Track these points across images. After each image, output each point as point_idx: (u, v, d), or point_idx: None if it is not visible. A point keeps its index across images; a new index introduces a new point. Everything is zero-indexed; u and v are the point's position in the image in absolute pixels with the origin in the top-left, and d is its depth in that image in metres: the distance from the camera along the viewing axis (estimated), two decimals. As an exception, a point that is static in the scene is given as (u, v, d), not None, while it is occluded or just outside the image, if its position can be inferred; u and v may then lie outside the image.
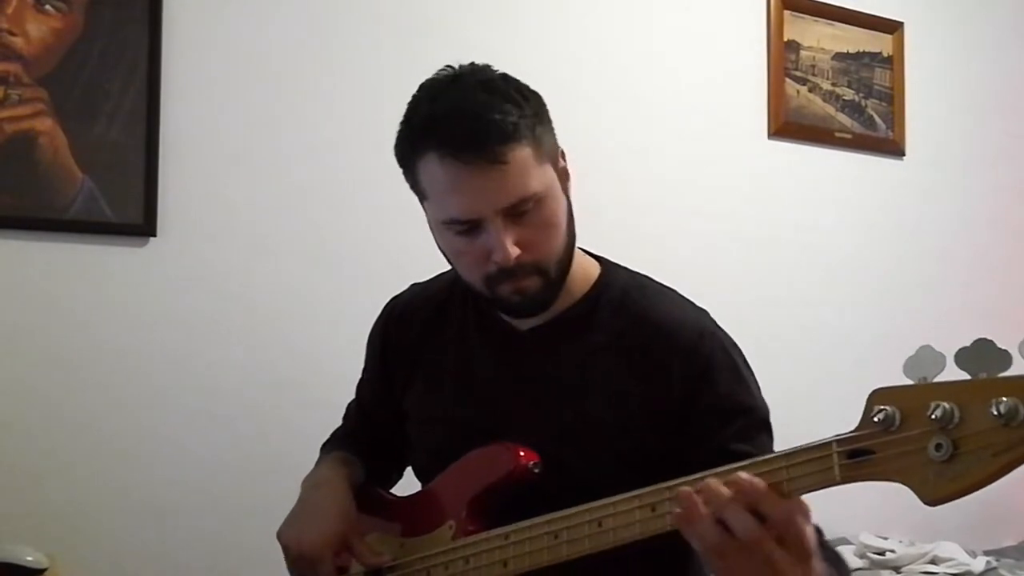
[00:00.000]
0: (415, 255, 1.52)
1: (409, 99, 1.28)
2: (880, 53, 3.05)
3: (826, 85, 2.95)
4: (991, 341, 0.85)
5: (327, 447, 1.61)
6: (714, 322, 1.35)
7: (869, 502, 2.04)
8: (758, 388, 1.32)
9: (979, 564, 2.65)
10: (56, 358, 1.97)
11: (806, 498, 0.98)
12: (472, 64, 1.27)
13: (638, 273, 1.41)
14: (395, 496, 1.51)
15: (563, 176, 1.31)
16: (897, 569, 2.61)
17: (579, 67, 2.54)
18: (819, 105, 2.94)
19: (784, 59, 2.87)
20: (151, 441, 2.03)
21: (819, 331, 2.87)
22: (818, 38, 2.94)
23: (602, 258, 1.42)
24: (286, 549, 1.38)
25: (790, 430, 1.26)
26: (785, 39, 2.87)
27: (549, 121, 1.29)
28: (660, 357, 1.29)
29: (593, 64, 2.58)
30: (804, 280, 2.88)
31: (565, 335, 1.34)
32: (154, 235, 2.05)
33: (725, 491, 0.97)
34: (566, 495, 1.16)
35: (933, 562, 2.63)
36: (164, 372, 2.05)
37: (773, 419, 1.30)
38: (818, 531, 1.16)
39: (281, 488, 1.49)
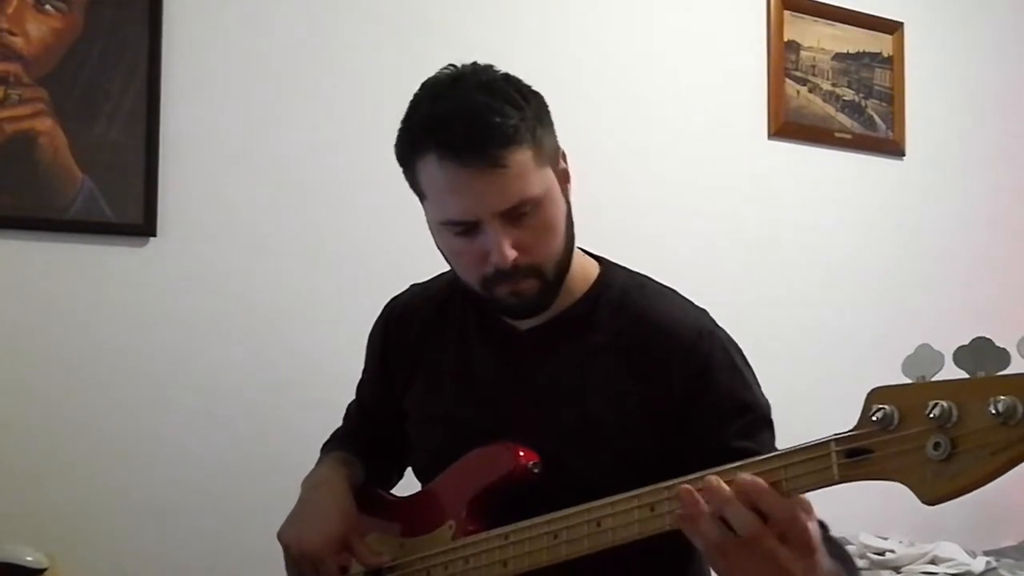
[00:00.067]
0: (415, 255, 1.52)
1: (409, 99, 1.28)
2: (880, 53, 3.05)
3: (826, 85, 2.95)
4: (989, 340, 0.85)
5: (327, 447, 1.62)
6: (713, 321, 1.35)
7: (869, 502, 2.04)
8: (758, 385, 1.32)
9: (979, 564, 2.64)
10: (56, 358, 1.97)
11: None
12: (474, 64, 1.27)
13: (637, 273, 1.41)
14: (395, 496, 1.51)
15: (563, 178, 1.30)
16: (897, 569, 2.61)
17: (579, 67, 2.54)
18: (819, 105, 2.94)
19: (784, 59, 2.87)
20: (151, 441, 2.03)
21: (819, 331, 2.87)
22: (818, 38, 2.94)
23: (601, 258, 1.42)
24: (287, 549, 1.38)
25: (790, 430, 1.27)
26: (785, 39, 2.87)
27: (550, 123, 1.28)
28: (660, 357, 1.29)
29: (593, 64, 2.58)
30: (804, 280, 2.88)
31: (565, 335, 1.34)
32: (154, 235, 2.05)
33: (726, 488, 0.97)
34: (566, 495, 1.16)
35: (933, 562, 2.63)
36: (164, 372, 2.05)
37: (773, 419, 1.30)
38: (823, 526, 1.16)
39: (281, 488, 1.50)
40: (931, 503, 0.86)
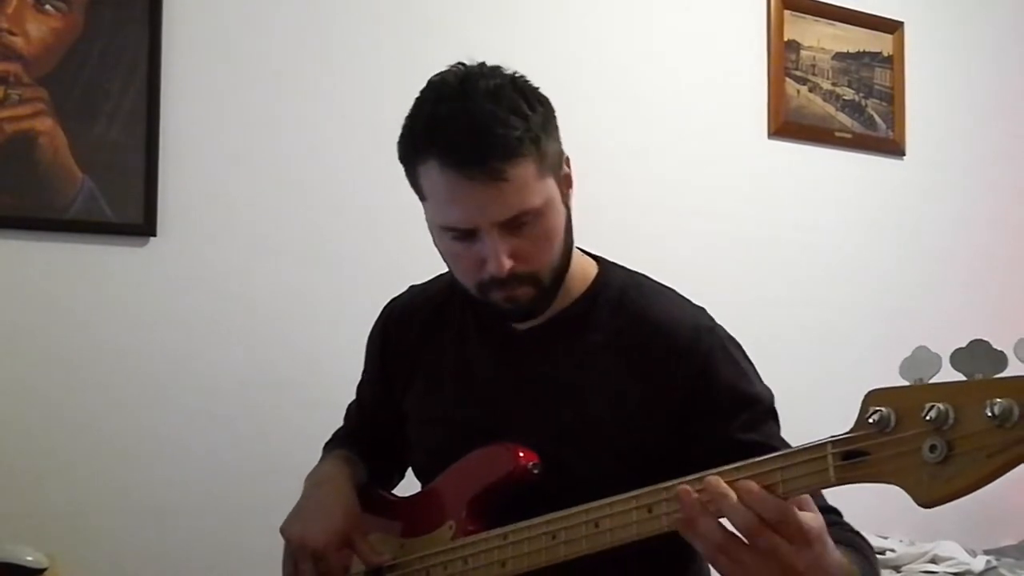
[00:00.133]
0: (415, 255, 1.53)
1: (409, 98, 1.27)
2: (880, 53, 3.05)
3: (826, 85, 2.95)
4: (986, 342, 0.85)
5: (329, 446, 1.62)
6: (711, 318, 1.36)
7: (868, 502, 2.03)
8: (760, 378, 1.33)
9: (979, 563, 2.65)
10: (56, 358, 1.97)
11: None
12: (482, 65, 1.25)
13: (635, 272, 1.41)
14: (396, 496, 1.51)
15: (565, 183, 1.30)
16: (897, 569, 2.61)
17: (579, 67, 2.54)
18: (819, 105, 2.94)
19: (784, 59, 2.87)
20: (151, 441, 2.03)
21: (819, 331, 2.87)
22: (818, 38, 2.94)
23: (599, 257, 1.42)
24: (288, 543, 1.38)
25: (789, 430, 1.27)
26: (785, 39, 2.87)
27: (555, 128, 1.27)
28: (659, 356, 1.29)
29: (593, 64, 2.58)
30: (804, 280, 2.87)
31: (563, 335, 1.35)
32: (154, 235, 2.05)
33: (725, 487, 0.97)
34: (566, 495, 1.16)
35: (933, 561, 2.63)
36: (164, 372, 2.05)
37: (777, 409, 1.31)
38: (834, 511, 1.16)
39: (281, 488, 1.50)
40: (927, 506, 0.86)
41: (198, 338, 2.09)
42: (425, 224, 1.31)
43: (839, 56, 2.98)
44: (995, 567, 2.66)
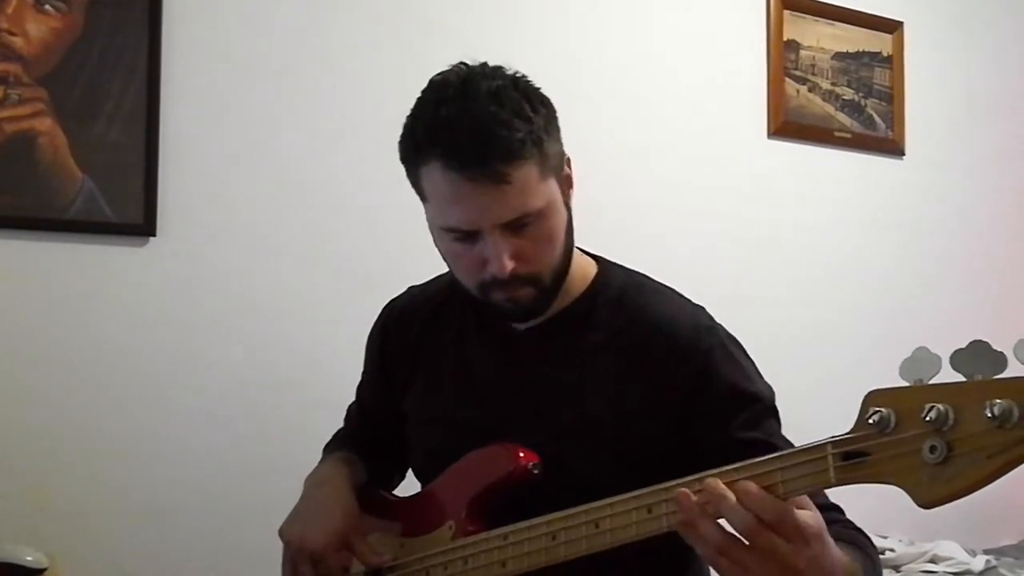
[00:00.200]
0: (415, 255, 1.53)
1: (410, 98, 1.27)
2: (880, 53, 3.05)
3: (826, 85, 2.95)
4: (986, 343, 0.85)
5: (329, 447, 1.62)
6: (710, 317, 1.36)
7: (868, 502, 2.03)
8: (760, 376, 1.33)
9: (979, 563, 2.65)
10: (56, 358, 1.97)
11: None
12: (484, 66, 1.25)
13: (635, 272, 1.41)
14: (396, 496, 1.51)
15: (566, 184, 1.30)
16: (897, 568, 2.61)
17: (579, 67, 2.54)
18: (819, 105, 2.94)
19: (784, 59, 2.87)
20: (151, 441, 2.03)
21: (819, 331, 2.87)
22: (818, 38, 2.94)
23: (599, 257, 1.42)
24: (287, 545, 1.38)
25: (790, 430, 1.27)
26: (785, 39, 2.87)
27: (557, 130, 1.27)
28: (659, 355, 1.29)
29: (593, 64, 2.58)
30: (804, 280, 2.87)
31: (563, 335, 1.35)
32: (154, 235, 2.05)
33: (724, 488, 0.97)
34: (566, 495, 1.17)
35: (933, 561, 2.63)
36: (164, 372, 2.05)
37: (777, 406, 1.31)
38: (836, 508, 1.16)
39: (281, 488, 1.50)
40: (927, 507, 0.86)
41: (198, 338, 2.09)
42: (425, 224, 1.31)
43: (839, 56, 2.98)
44: (995, 567, 2.66)
